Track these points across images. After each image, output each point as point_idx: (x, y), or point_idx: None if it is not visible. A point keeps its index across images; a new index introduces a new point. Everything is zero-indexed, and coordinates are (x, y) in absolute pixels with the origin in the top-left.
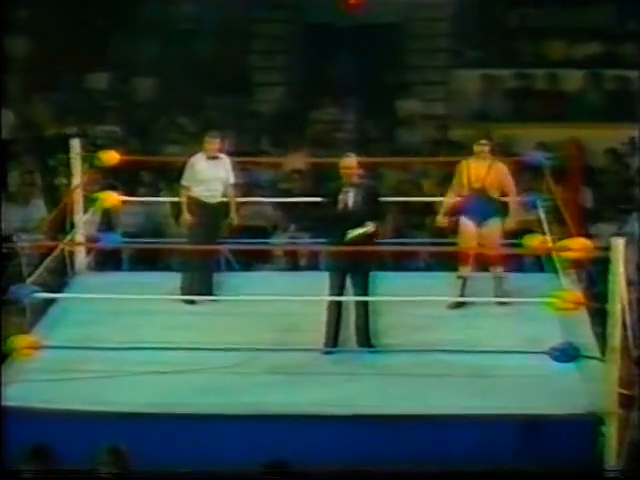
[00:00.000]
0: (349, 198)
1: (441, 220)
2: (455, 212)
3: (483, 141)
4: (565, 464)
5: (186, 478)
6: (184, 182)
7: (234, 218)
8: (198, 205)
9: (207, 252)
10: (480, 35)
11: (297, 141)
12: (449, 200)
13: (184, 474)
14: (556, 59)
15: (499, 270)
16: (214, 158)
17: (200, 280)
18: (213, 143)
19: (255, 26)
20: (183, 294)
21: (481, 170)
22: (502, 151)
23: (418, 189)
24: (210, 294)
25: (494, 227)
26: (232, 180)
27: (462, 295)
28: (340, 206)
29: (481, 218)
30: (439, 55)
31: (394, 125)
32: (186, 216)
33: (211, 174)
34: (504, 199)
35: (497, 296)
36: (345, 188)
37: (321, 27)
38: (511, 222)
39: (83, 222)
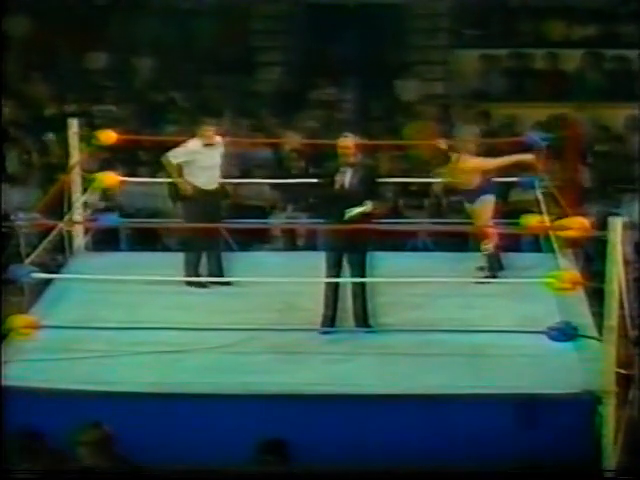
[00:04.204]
0: (346, 178)
1: None
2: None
3: (441, 141)
4: (562, 447)
5: (186, 478)
6: (174, 159)
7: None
8: (197, 193)
9: (208, 234)
10: (480, 15)
11: (296, 121)
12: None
13: (184, 473)
14: (556, 39)
15: (489, 246)
16: (210, 145)
17: (204, 261)
18: (209, 131)
19: (256, 5)
20: (187, 276)
21: (450, 168)
22: (506, 131)
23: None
24: (218, 274)
25: (482, 205)
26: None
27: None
28: (337, 186)
29: (472, 199)
30: (439, 35)
31: (394, 105)
32: (185, 187)
33: (210, 162)
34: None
35: (488, 272)
36: (342, 168)
37: (322, 7)
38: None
39: (83, 202)
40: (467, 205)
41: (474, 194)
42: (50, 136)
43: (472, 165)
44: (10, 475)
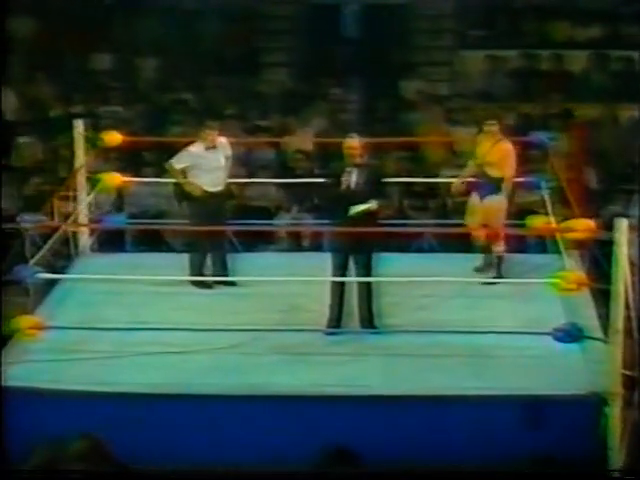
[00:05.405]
0: (352, 178)
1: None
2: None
3: (491, 121)
4: (568, 448)
5: (186, 478)
6: (177, 164)
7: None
8: (202, 194)
9: (212, 235)
10: (485, 16)
11: (302, 121)
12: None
13: (184, 474)
14: (561, 40)
15: (499, 248)
16: (213, 147)
17: (209, 262)
18: (212, 134)
19: (261, 6)
20: (192, 275)
21: (484, 148)
22: (515, 132)
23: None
24: (222, 275)
25: (492, 204)
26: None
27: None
28: (343, 186)
29: (483, 194)
30: (444, 36)
31: (399, 105)
32: (193, 188)
33: (213, 165)
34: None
35: (496, 274)
36: (348, 168)
37: (327, 7)
38: (504, 204)
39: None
40: (476, 201)
41: (490, 188)
42: (25, 139)
43: (509, 150)
44: (10, 475)
